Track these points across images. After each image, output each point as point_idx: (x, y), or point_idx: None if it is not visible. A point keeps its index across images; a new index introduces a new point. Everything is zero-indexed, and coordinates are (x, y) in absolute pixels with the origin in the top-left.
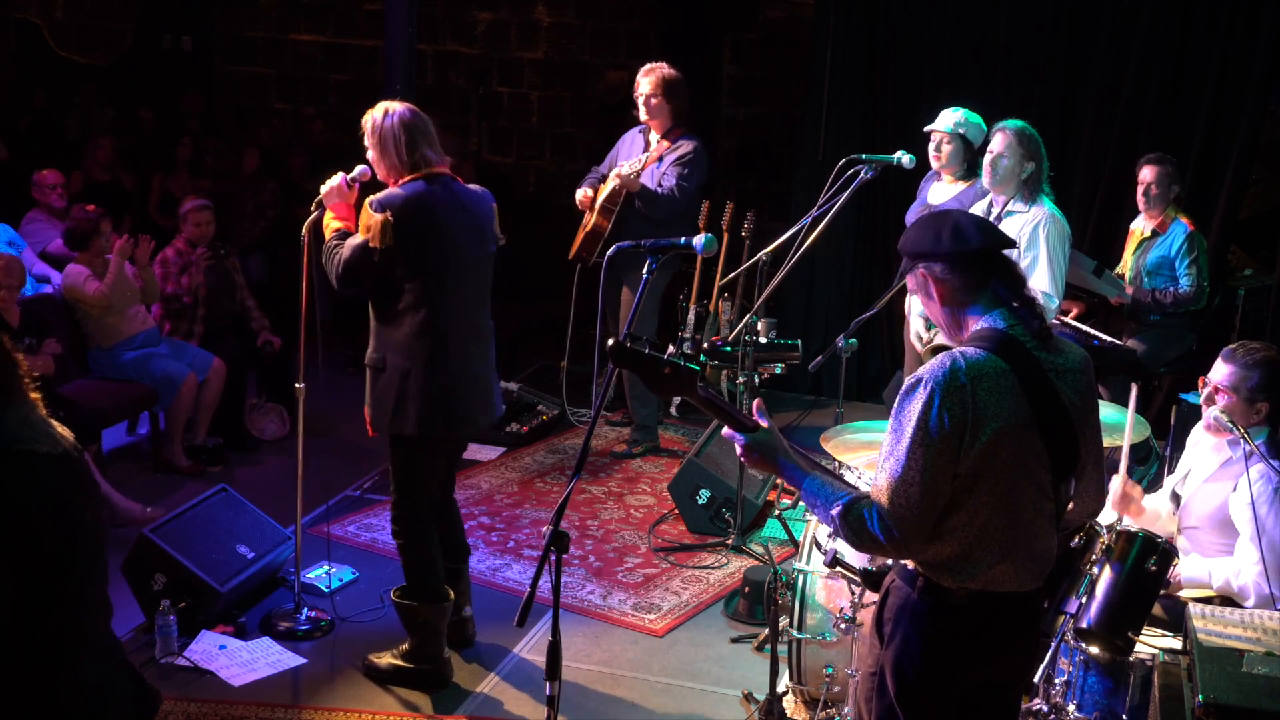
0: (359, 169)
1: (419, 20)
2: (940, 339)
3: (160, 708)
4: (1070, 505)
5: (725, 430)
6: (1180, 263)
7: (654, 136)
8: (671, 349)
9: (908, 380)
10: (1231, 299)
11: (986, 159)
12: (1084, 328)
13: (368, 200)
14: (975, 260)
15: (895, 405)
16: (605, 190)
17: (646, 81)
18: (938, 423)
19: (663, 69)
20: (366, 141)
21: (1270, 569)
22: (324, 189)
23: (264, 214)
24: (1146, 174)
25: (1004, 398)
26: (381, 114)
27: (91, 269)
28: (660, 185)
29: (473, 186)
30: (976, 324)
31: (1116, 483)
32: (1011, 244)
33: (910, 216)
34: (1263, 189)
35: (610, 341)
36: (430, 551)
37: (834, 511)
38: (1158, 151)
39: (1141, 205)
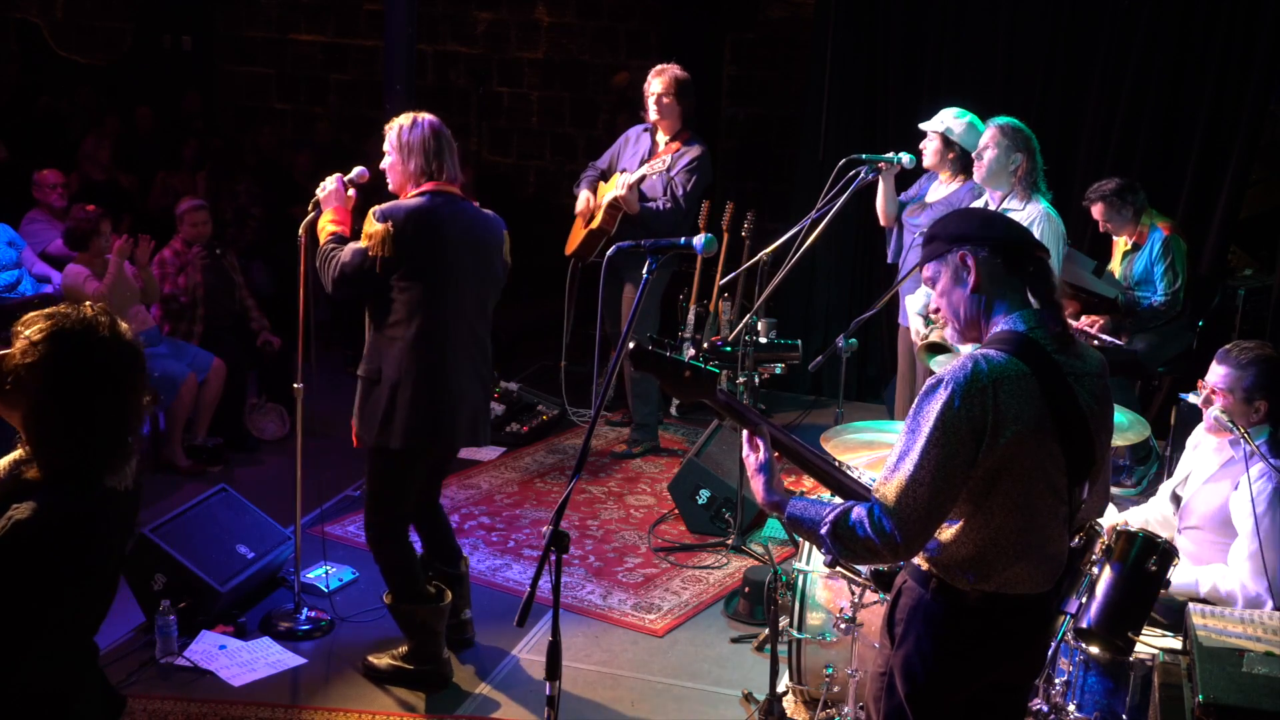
0: (357, 170)
1: (419, 20)
2: (935, 336)
3: (152, 706)
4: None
5: (746, 451)
6: (1155, 270)
7: (661, 137)
8: (691, 351)
9: (929, 380)
10: (1231, 299)
11: (976, 156)
12: (1083, 327)
13: (372, 210)
14: (1019, 251)
15: (914, 405)
16: (610, 192)
17: (658, 81)
18: (956, 424)
19: (675, 70)
20: (387, 147)
21: (1269, 568)
22: (321, 192)
23: (248, 214)
24: (1094, 212)
25: (1025, 401)
26: (410, 121)
27: (91, 269)
28: (670, 189)
29: (486, 211)
30: (999, 323)
31: None
32: (1046, 254)
33: (905, 214)
34: (1263, 189)
35: (631, 345)
36: (405, 554)
37: (823, 531)
38: (1114, 179)
39: (1112, 233)
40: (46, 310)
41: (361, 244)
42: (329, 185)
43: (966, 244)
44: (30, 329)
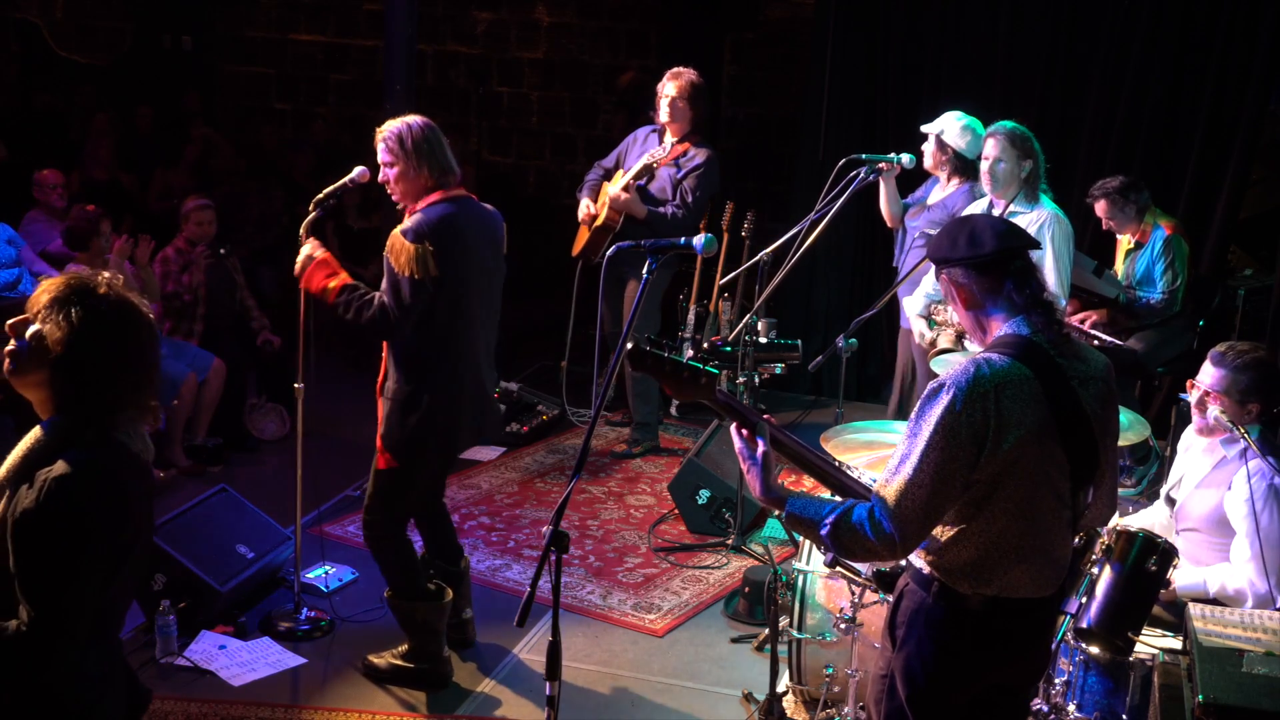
0: (357, 170)
1: (419, 20)
2: (944, 341)
3: (152, 706)
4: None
5: (738, 445)
6: (1155, 268)
7: (670, 139)
8: (690, 351)
9: (931, 384)
10: (1231, 299)
11: (983, 165)
12: (1085, 329)
13: (397, 231)
14: (990, 265)
15: (916, 408)
16: (611, 189)
17: (673, 84)
18: (957, 428)
19: (691, 74)
20: (387, 156)
21: (1268, 565)
22: (299, 267)
23: (275, 222)
24: (1097, 209)
25: (1027, 405)
26: (407, 127)
27: (91, 269)
28: (680, 194)
29: (486, 206)
30: (1000, 328)
31: None
32: (1036, 245)
33: (906, 216)
34: (1263, 189)
35: (630, 345)
36: (406, 551)
37: (823, 531)
38: (1118, 176)
39: (1115, 231)
40: (51, 280)
41: (404, 273)
42: (304, 253)
43: (943, 267)
44: (43, 297)
